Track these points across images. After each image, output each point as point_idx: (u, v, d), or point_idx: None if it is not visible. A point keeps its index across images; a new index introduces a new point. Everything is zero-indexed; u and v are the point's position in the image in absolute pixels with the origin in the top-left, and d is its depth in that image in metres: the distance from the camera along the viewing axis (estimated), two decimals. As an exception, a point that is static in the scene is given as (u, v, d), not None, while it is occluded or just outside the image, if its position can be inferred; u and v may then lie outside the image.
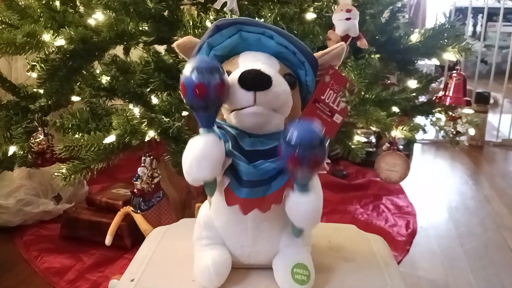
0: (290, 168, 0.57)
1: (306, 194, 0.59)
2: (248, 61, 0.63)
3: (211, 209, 0.68)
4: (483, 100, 2.89)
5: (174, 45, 0.65)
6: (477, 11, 4.44)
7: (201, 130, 0.58)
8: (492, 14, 4.00)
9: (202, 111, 0.57)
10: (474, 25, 4.99)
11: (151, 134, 0.96)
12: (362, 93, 1.03)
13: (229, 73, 0.61)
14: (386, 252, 0.78)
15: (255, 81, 0.58)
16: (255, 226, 0.65)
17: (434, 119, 1.25)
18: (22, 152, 1.11)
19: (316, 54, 0.67)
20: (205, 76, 0.55)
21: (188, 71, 0.56)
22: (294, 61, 0.65)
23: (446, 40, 1.11)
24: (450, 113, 1.23)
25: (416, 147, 2.80)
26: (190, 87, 0.55)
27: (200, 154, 0.56)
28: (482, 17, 3.75)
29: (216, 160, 0.57)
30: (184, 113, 1.04)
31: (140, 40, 1.10)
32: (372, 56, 1.05)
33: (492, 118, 3.08)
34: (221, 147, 0.57)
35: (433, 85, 1.30)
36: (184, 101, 0.58)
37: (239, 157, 0.60)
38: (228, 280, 0.66)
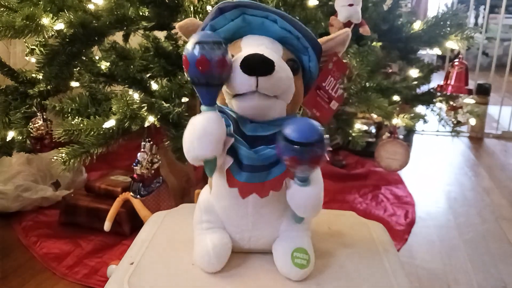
0: (290, 166, 0.56)
1: (306, 186, 0.58)
2: (251, 45, 0.62)
3: (212, 193, 0.68)
4: (483, 92, 2.89)
5: (176, 26, 0.64)
6: (479, 2, 4.42)
7: (202, 107, 0.57)
8: (494, 6, 3.98)
9: (204, 87, 0.56)
10: (476, 17, 4.96)
11: (151, 119, 0.95)
12: (364, 81, 1.02)
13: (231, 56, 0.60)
14: (385, 238, 0.78)
15: (257, 66, 0.57)
16: (256, 211, 0.65)
17: (436, 109, 1.24)
18: (20, 138, 1.10)
19: (320, 40, 0.66)
20: (207, 50, 0.54)
21: (191, 44, 0.55)
22: (298, 46, 0.64)
23: (448, 29, 1.10)
24: (451, 103, 1.23)
25: (416, 138, 2.80)
26: (192, 60, 0.54)
27: (201, 131, 0.55)
28: (484, 9, 3.73)
29: (218, 137, 0.55)
30: (184, 99, 1.03)
31: (140, 25, 1.08)
32: (374, 43, 1.04)
33: (492, 110, 3.08)
34: (222, 125, 0.56)
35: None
36: (186, 76, 0.57)
37: (240, 141, 0.59)
38: (228, 264, 0.66)
